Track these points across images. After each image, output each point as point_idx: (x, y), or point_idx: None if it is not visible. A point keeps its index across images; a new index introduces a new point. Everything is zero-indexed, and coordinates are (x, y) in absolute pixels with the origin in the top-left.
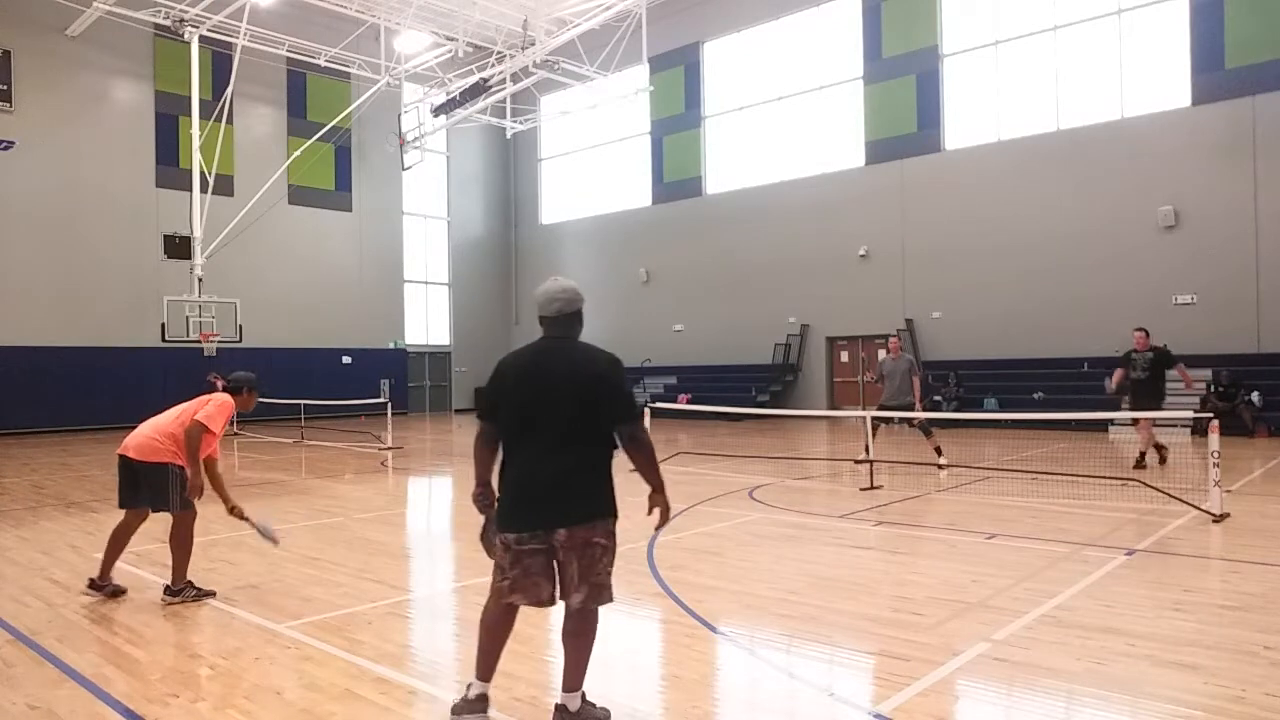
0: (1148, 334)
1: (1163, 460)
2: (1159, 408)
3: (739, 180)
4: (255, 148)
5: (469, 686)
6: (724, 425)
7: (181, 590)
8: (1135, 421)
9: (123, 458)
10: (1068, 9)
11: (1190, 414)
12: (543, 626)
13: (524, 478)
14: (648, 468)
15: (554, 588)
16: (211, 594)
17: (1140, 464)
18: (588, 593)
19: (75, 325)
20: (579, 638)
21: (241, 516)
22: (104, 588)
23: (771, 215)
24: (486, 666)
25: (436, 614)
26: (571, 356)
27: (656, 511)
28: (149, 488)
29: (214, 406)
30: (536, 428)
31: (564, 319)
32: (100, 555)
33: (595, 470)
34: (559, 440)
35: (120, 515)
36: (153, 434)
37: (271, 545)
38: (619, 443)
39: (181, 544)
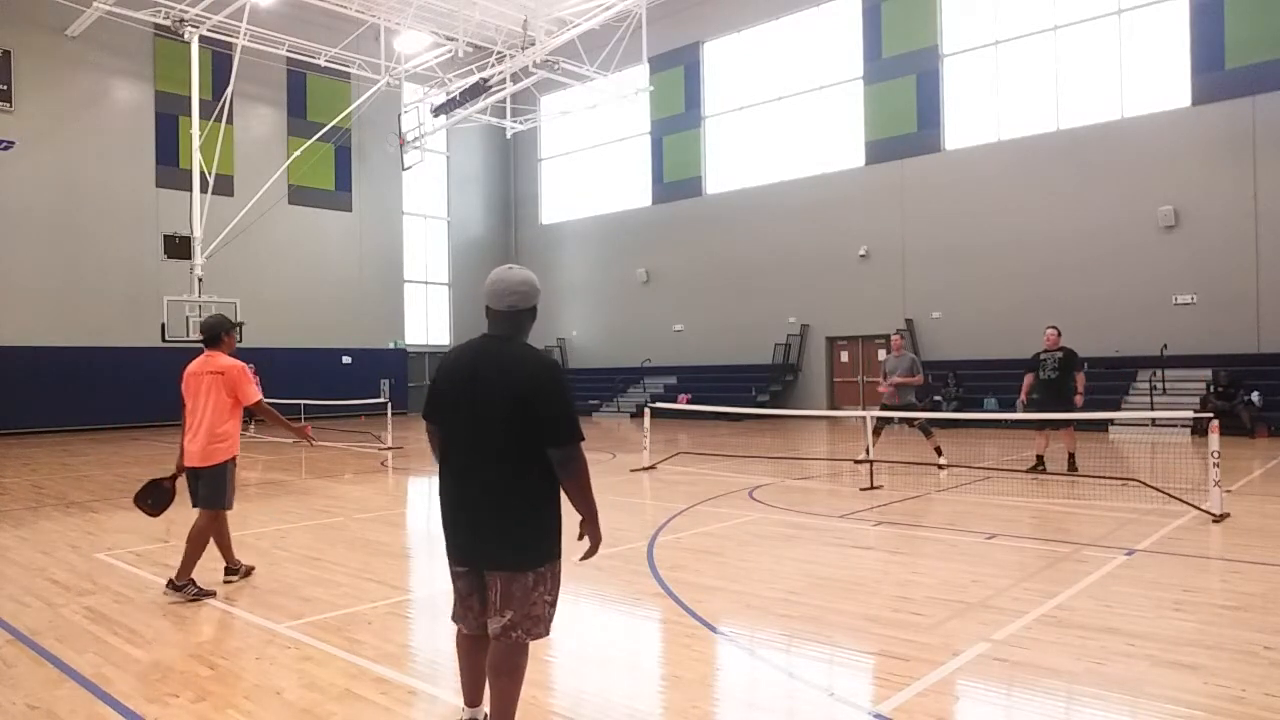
0: (1059, 332)
1: (1035, 470)
2: (1070, 409)
3: (739, 180)
4: (255, 148)
5: (462, 711)
6: (724, 425)
7: (184, 586)
8: (1051, 425)
9: (191, 469)
10: (1068, 9)
11: (1190, 414)
12: None
13: (452, 501)
14: (579, 498)
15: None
16: (212, 594)
17: (1039, 467)
18: (512, 620)
19: (75, 325)
20: (500, 675)
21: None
22: (183, 587)
23: (771, 215)
24: (468, 690)
25: (436, 614)
26: (509, 362)
27: (586, 541)
28: (207, 486)
29: (245, 381)
30: (467, 440)
31: (515, 315)
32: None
33: (530, 506)
34: (490, 460)
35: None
36: (207, 439)
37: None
38: (552, 464)
39: (199, 540)
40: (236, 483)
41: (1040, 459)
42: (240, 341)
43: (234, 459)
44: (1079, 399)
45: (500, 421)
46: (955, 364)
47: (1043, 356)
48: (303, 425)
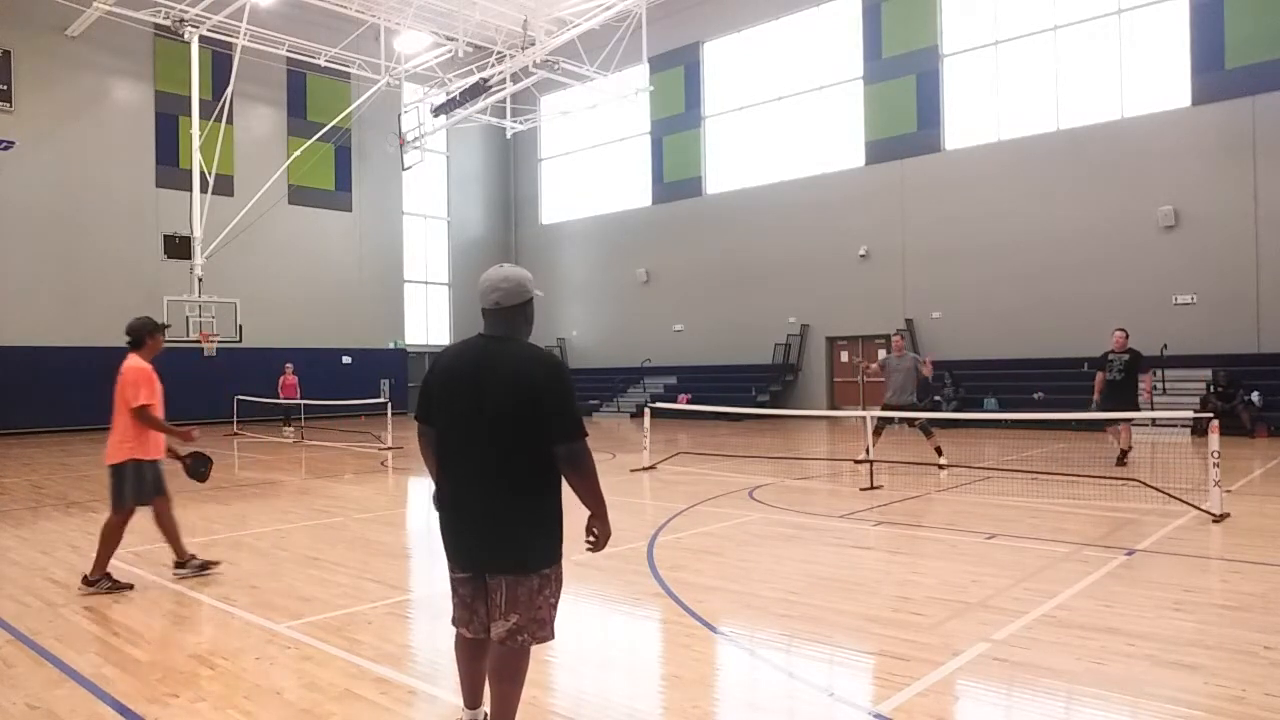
0: (1127, 335)
1: (1121, 462)
2: (1134, 409)
3: (739, 180)
4: (255, 148)
5: (462, 713)
6: (724, 425)
7: (98, 581)
8: (1113, 423)
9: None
10: (1068, 9)
11: (1190, 414)
12: None
13: (453, 505)
14: (587, 494)
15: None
16: (129, 586)
17: (1123, 461)
18: (518, 624)
19: (76, 325)
20: (504, 680)
21: (176, 457)
22: (97, 582)
23: (771, 215)
24: (467, 693)
25: (436, 614)
26: (509, 361)
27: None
28: (109, 485)
29: (135, 384)
30: (467, 442)
31: (505, 313)
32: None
33: (535, 509)
34: (491, 462)
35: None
36: (111, 438)
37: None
38: (558, 462)
39: (109, 537)
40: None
41: (1124, 452)
42: (240, 342)
43: (137, 460)
44: (1145, 397)
45: (507, 421)
46: (955, 364)
47: (1110, 358)
48: (185, 430)
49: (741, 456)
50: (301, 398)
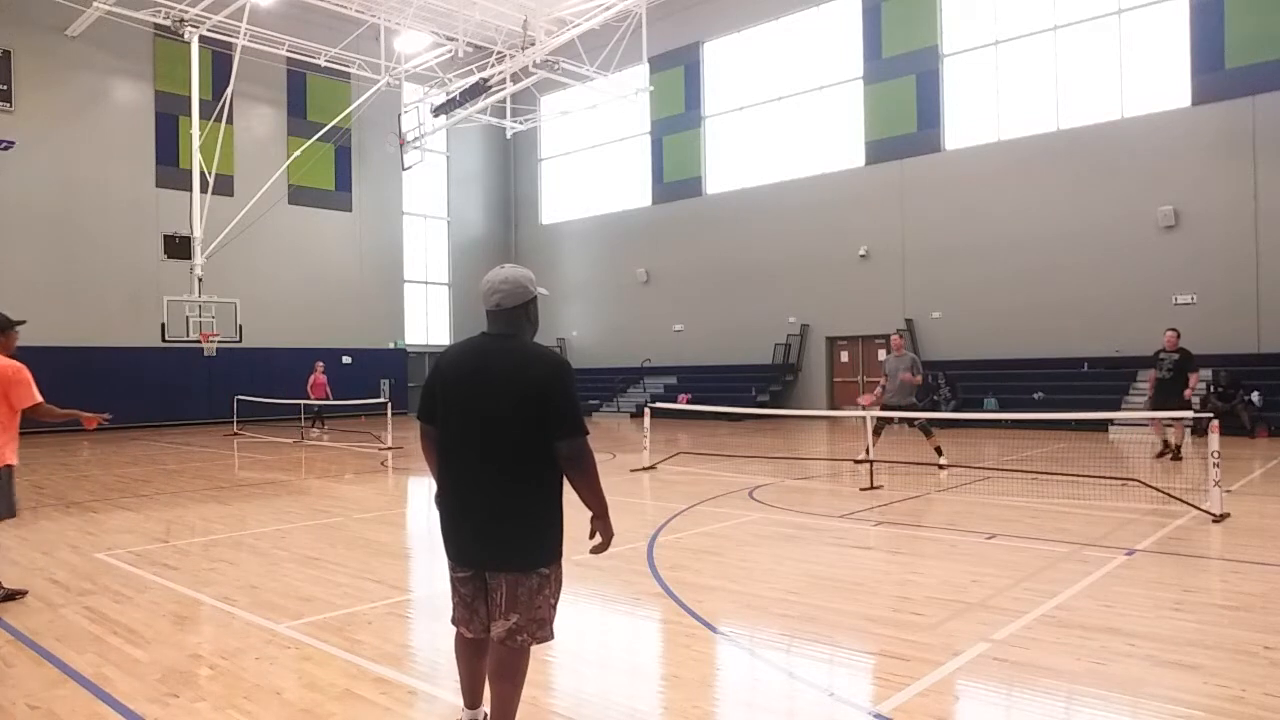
0: (1178, 334)
1: (1163, 456)
2: (1184, 406)
3: (739, 180)
4: (255, 148)
5: (462, 713)
6: (724, 425)
7: None
8: (1158, 420)
9: None
10: (1068, 9)
11: (1190, 414)
12: None
13: (454, 503)
14: (588, 492)
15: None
16: (24, 593)
17: (1166, 453)
18: (518, 624)
19: (75, 325)
20: (504, 680)
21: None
22: None
23: (771, 215)
24: (467, 692)
25: (436, 614)
26: (512, 359)
27: (597, 536)
28: None
29: (19, 382)
30: (468, 441)
31: (507, 313)
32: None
33: (535, 507)
34: (493, 460)
35: None
36: None
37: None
38: (559, 459)
39: None
40: (18, 492)
41: (1166, 444)
42: (239, 342)
43: (8, 465)
44: (1188, 393)
45: (508, 420)
46: (954, 364)
47: (1161, 356)
48: (91, 416)
49: (741, 456)
50: (329, 398)
